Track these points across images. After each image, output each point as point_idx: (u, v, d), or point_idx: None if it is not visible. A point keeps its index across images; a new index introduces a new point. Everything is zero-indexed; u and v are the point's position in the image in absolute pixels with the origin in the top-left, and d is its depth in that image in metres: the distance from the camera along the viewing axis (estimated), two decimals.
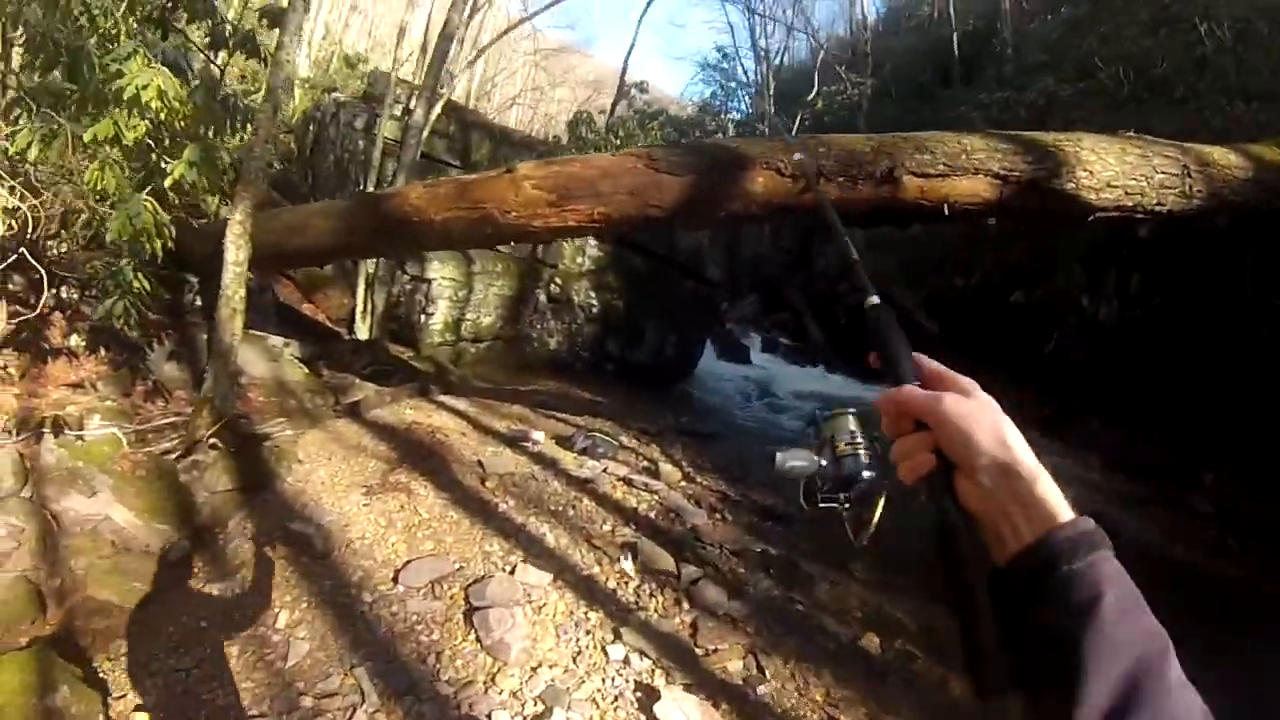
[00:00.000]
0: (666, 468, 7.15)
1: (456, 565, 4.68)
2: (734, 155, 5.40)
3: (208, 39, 7.28)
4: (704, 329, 15.01)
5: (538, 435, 7.17)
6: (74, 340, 6.47)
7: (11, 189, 4.99)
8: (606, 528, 5.58)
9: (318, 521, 5.14)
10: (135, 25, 6.32)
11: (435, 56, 10.45)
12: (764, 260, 22.16)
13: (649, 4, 23.44)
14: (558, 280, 12.59)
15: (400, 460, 6.22)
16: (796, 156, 4.96)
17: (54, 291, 6.78)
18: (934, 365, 0.96)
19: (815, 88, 24.09)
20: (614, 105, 22.96)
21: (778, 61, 35.12)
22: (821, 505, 1.04)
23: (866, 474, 1.01)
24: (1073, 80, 15.21)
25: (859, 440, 1.03)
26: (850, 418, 1.06)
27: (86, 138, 5.02)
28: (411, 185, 6.71)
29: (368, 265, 10.54)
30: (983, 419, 0.83)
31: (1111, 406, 10.09)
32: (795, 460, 1.05)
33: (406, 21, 13.20)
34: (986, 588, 0.79)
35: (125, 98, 4.90)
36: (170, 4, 6.66)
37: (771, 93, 29.44)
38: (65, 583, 4.46)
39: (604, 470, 6.65)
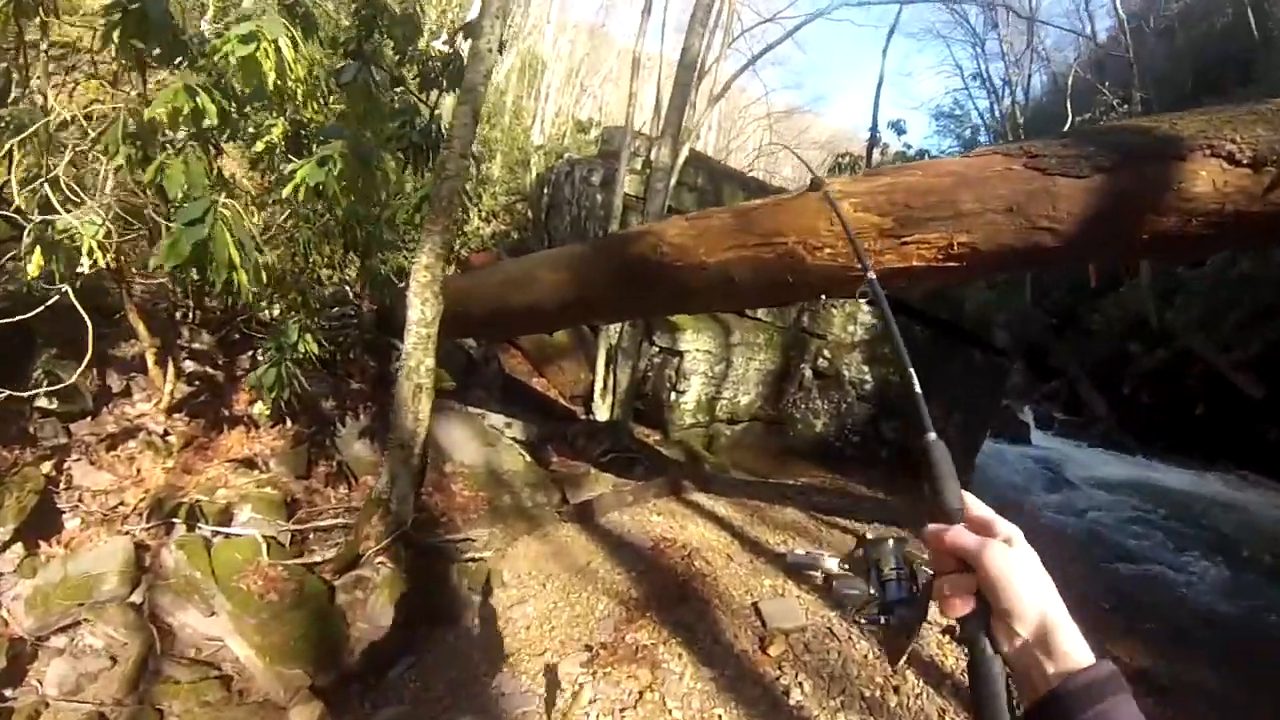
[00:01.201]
0: None
1: None
2: (1158, 139, 3.32)
3: (418, 79, 6.50)
4: (990, 405, 12.77)
5: (830, 563, 5.23)
6: (258, 408, 5.40)
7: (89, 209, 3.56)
8: None
9: (508, 712, 3.46)
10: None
11: (676, 90, 8.92)
12: (1027, 320, 19.30)
13: (891, 31, 20.86)
14: (826, 353, 10.76)
15: (643, 600, 4.47)
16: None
17: (251, 354, 5.95)
18: (982, 511, 0.95)
19: (1069, 118, 20.61)
20: (869, 149, 20.54)
21: (1009, 102, 32.24)
22: (863, 623, 1.47)
23: (906, 601, 1.05)
24: None
25: (902, 567, 1.06)
26: (894, 543, 1.09)
27: (146, 115, 3.54)
28: (670, 220, 4.99)
29: (610, 334, 9.13)
30: (1023, 572, 0.88)
31: None
32: (849, 589, 1.10)
33: (637, 53, 11.78)
34: None
35: (216, 59, 3.43)
36: (365, 32, 5.57)
37: (1021, 131, 26.37)
38: None
39: None
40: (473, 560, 4.87)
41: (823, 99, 76.68)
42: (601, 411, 8.97)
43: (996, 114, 33.32)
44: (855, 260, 3.50)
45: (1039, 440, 15.36)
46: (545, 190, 15.04)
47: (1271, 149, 3.04)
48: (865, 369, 10.87)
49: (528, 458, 6.65)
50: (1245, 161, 3.09)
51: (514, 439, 6.97)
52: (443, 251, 4.47)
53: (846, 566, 4.65)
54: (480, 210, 16.06)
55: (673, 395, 9.71)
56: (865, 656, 4.05)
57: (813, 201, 3.61)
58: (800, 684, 3.73)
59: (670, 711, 3.40)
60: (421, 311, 4.37)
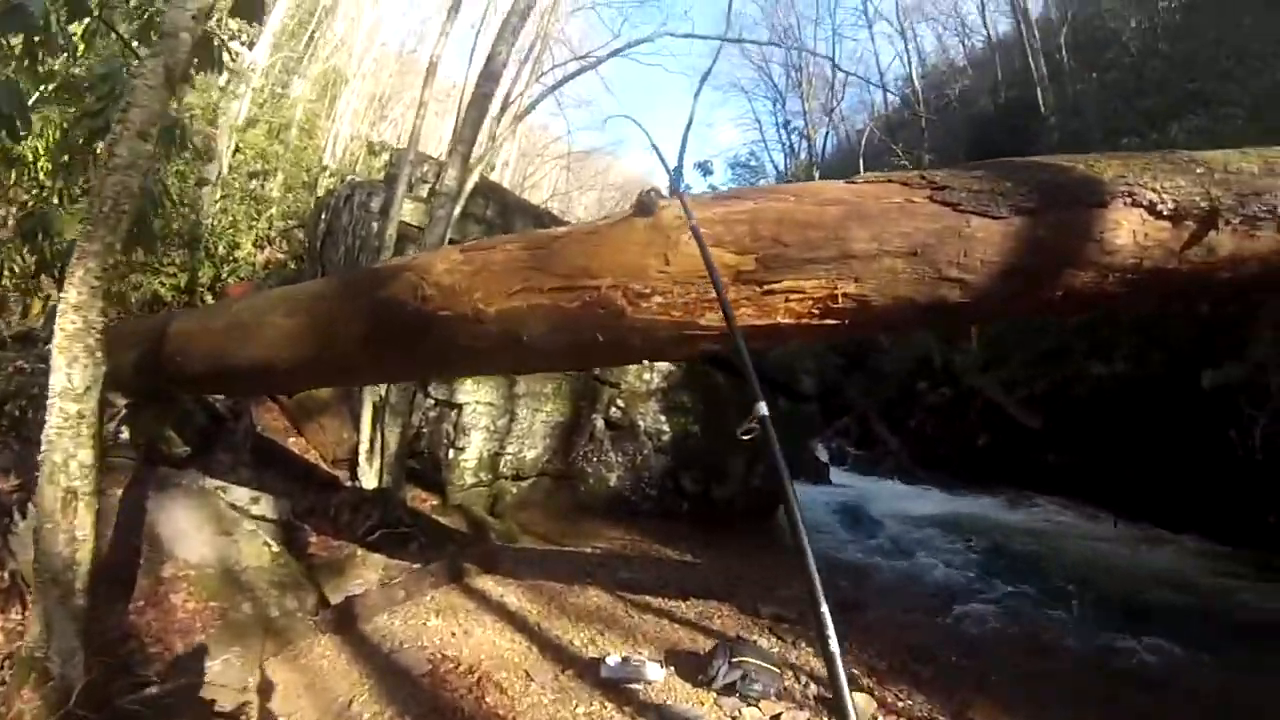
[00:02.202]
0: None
1: None
2: (1078, 181, 2.73)
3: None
4: (796, 453, 12.61)
5: (653, 670, 4.31)
6: None
7: None
8: None
9: None
10: None
11: (474, 102, 7.93)
12: (820, 361, 19.87)
13: (705, 76, 20.64)
14: (620, 402, 10.12)
15: None
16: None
17: None
18: None
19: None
20: (672, 191, 20.19)
21: (806, 156, 35.34)
22: None
23: None
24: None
25: None
26: None
27: None
28: (439, 251, 3.81)
29: (379, 386, 7.89)
30: None
31: None
32: None
33: (435, 57, 10.67)
34: None
35: None
36: None
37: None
38: None
39: None
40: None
41: (623, 142, 77.92)
42: (369, 477, 7.77)
43: (791, 167, 35.25)
44: (694, 314, 2.57)
45: (836, 478, 15.39)
46: (324, 216, 13.67)
47: (1191, 201, 2.63)
48: (662, 418, 10.29)
49: (275, 546, 5.32)
50: (1166, 213, 2.66)
51: (261, 518, 5.62)
52: (101, 283, 2.96)
53: (673, 669, 3.58)
54: (254, 235, 14.50)
55: (451, 453, 8.77)
56: None
57: (639, 230, 2.63)
58: None
59: None
60: (68, 378, 2.84)
